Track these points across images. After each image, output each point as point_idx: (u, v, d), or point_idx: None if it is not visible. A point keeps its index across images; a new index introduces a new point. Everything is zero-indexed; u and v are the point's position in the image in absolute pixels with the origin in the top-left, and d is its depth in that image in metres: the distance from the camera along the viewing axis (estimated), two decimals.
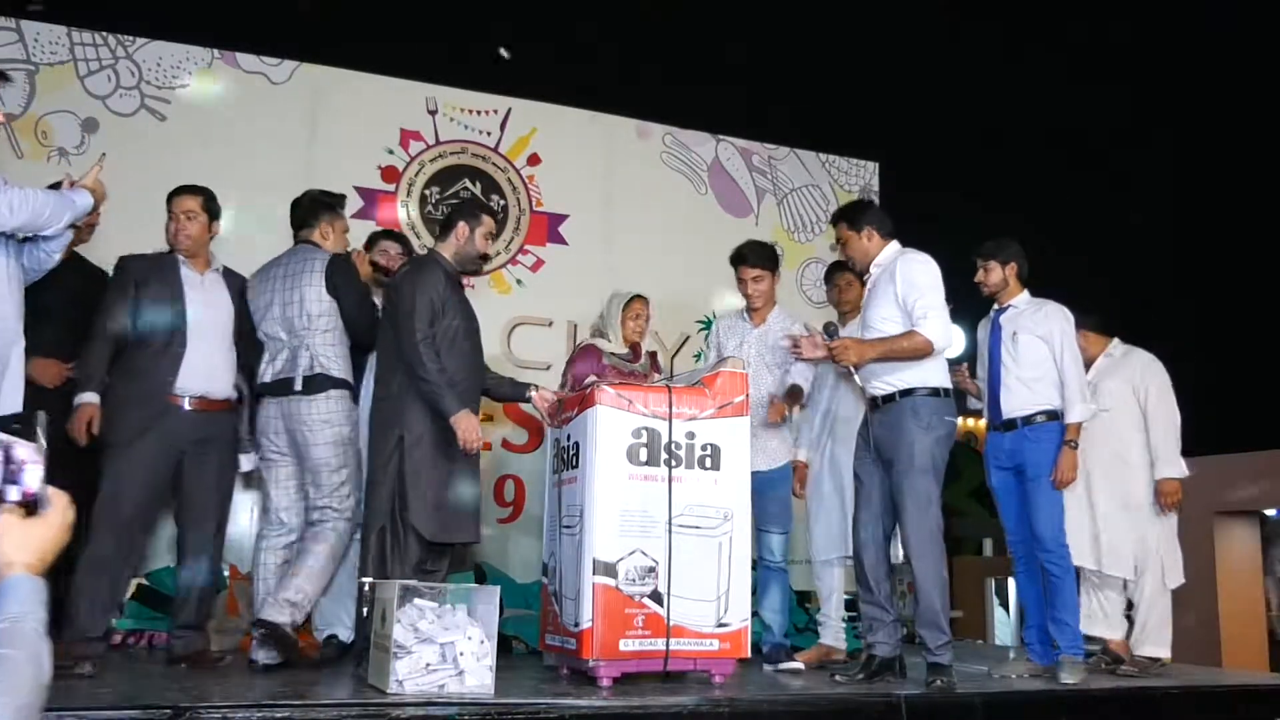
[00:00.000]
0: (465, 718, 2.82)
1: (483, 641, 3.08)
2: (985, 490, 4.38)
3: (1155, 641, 4.46)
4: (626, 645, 3.40)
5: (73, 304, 4.06)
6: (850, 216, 4.02)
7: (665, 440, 3.54)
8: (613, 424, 3.51)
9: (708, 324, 5.55)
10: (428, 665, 3.01)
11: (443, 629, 3.06)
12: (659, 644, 3.43)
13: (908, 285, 3.77)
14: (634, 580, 3.42)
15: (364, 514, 3.79)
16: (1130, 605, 4.61)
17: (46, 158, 5.30)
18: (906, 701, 3.37)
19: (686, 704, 3.09)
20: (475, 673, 3.04)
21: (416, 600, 3.11)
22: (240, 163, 5.50)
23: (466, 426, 3.66)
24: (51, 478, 1.50)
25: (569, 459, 3.68)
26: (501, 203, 6.07)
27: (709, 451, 3.60)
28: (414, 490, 3.61)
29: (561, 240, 6.22)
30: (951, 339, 3.81)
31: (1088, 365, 4.51)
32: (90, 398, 3.65)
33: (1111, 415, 4.51)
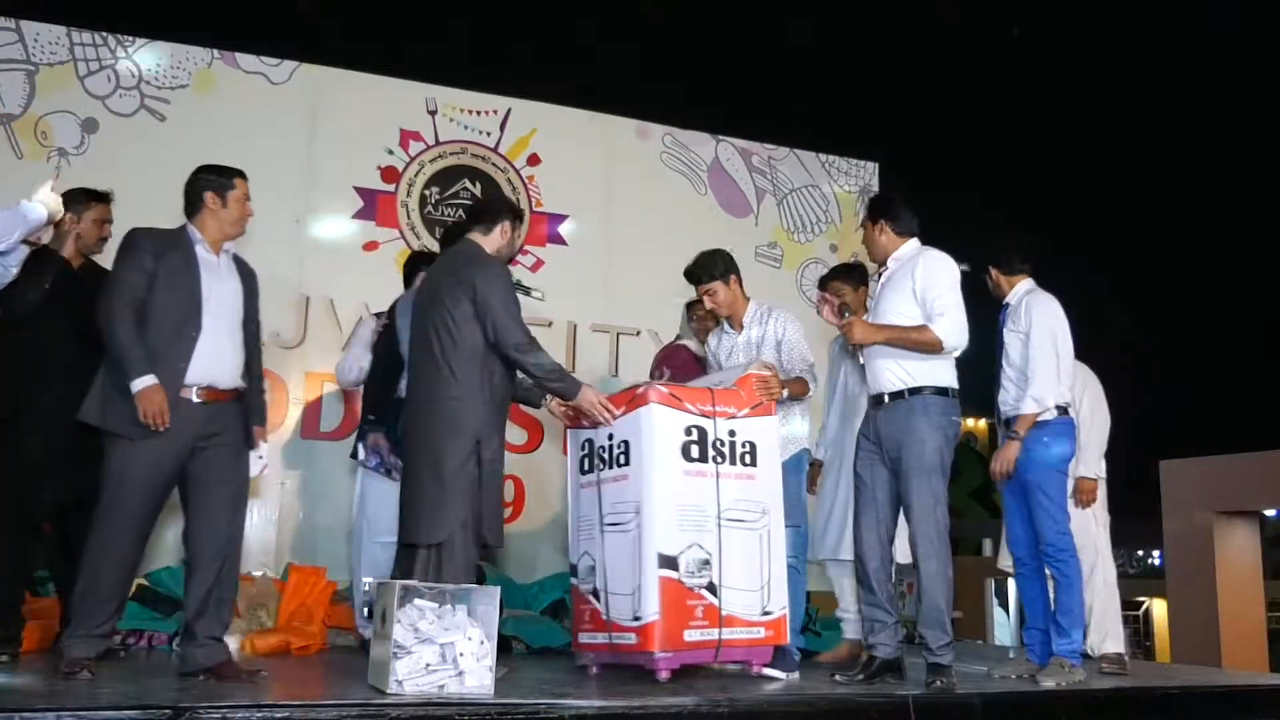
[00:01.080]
0: (465, 718, 2.82)
1: (483, 642, 3.08)
2: (985, 490, 4.39)
3: (1115, 637, 4.51)
4: (690, 636, 3.54)
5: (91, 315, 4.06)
6: (870, 207, 4.06)
7: (712, 438, 3.71)
8: (667, 422, 3.63)
9: None
10: (427, 665, 3.00)
11: (443, 629, 3.06)
12: (714, 634, 3.59)
13: (927, 282, 3.76)
14: (693, 572, 3.57)
15: (427, 517, 3.55)
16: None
17: (46, 158, 5.30)
18: (907, 701, 3.36)
19: (687, 704, 3.08)
20: (475, 673, 3.04)
21: (416, 600, 3.11)
22: (240, 163, 5.44)
23: (594, 397, 3.71)
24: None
25: (613, 458, 3.73)
26: None
27: (748, 449, 3.78)
28: (489, 499, 3.59)
29: (561, 240, 6.23)
30: (964, 340, 3.79)
31: None
32: (154, 379, 3.34)
33: None
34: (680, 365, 4.76)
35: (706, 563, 3.59)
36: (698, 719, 3.06)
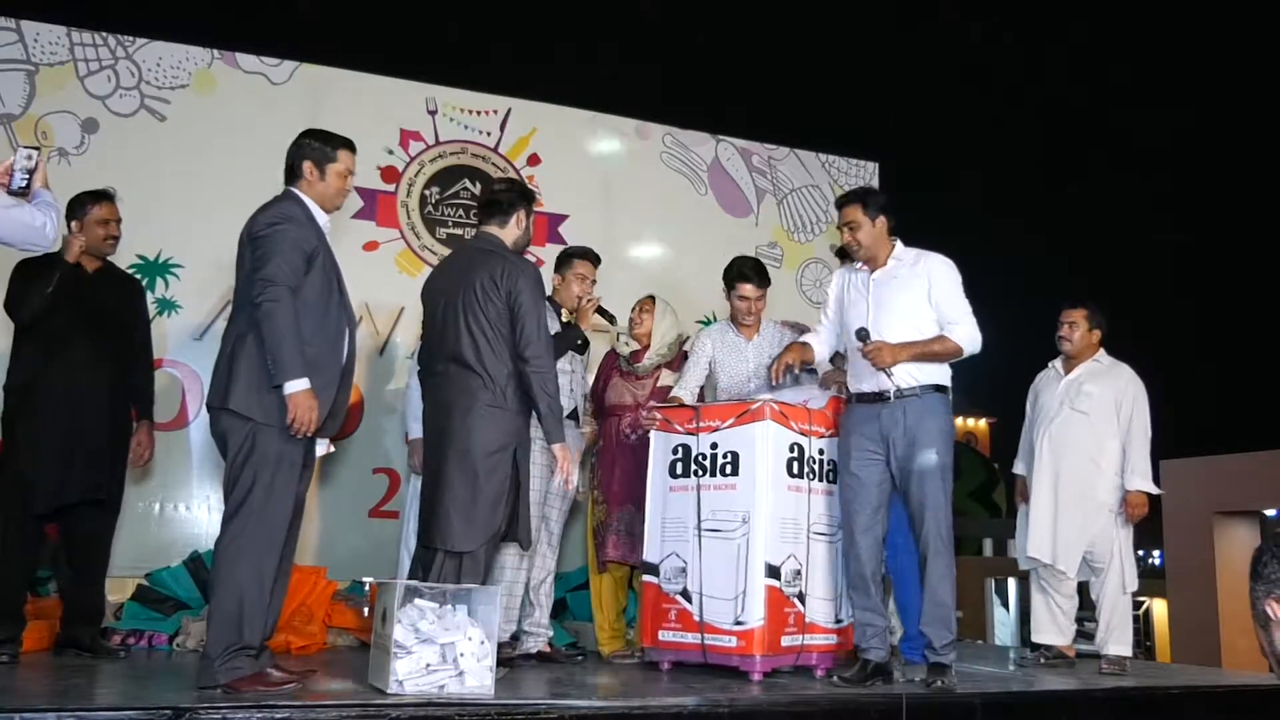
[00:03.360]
0: (465, 718, 2.82)
1: (483, 642, 3.08)
2: (985, 490, 4.38)
3: (1119, 641, 4.50)
4: (784, 641, 3.74)
5: (110, 314, 4.06)
6: (865, 199, 3.88)
7: (807, 455, 3.94)
8: (777, 439, 3.82)
9: (707, 324, 5.55)
10: (428, 666, 3.01)
11: (443, 629, 3.06)
12: (799, 639, 3.81)
13: (940, 289, 3.76)
14: (790, 582, 3.79)
15: (460, 525, 3.43)
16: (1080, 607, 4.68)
17: (47, 158, 5.29)
18: (906, 701, 3.36)
19: (687, 704, 3.09)
20: (475, 673, 3.04)
21: (417, 600, 3.11)
22: (240, 163, 5.50)
23: (569, 455, 3.60)
24: None
25: (718, 466, 3.86)
26: None
27: (830, 466, 4.00)
28: (523, 503, 3.59)
29: (561, 240, 6.21)
30: (979, 343, 3.80)
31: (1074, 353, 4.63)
32: (308, 383, 3.03)
33: (1090, 420, 4.52)
34: (604, 376, 4.77)
35: (799, 573, 3.82)
36: (698, 719, 3.06)
